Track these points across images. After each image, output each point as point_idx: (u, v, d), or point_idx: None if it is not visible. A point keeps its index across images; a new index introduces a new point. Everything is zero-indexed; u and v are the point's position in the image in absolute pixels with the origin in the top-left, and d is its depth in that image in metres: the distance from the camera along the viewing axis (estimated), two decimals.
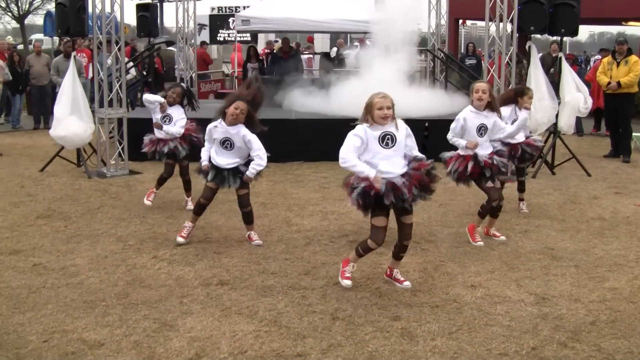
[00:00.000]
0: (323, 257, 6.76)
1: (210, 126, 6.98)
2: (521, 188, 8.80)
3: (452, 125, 7.06)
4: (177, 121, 8.44)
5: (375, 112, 5.46)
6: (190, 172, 8.41)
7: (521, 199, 8.87)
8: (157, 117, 8.42)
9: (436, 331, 5.07)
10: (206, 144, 7.09)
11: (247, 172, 6.89)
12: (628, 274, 6.40)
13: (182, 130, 8.42)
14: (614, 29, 53.08)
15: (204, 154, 7.08)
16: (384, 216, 5.64)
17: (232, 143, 6.88)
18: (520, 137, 8.11)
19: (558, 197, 9.52)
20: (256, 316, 5.29)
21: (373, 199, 5.48)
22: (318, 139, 11.18)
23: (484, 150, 7.05)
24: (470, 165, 6.96)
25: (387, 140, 5.50)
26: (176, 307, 5.45)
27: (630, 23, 27.57)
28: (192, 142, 8.43)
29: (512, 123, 7.63)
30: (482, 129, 6.99)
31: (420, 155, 5.70)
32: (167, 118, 8.46)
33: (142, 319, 5.20)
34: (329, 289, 5.88)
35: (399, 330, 5.08)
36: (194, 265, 6.47)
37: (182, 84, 10.66)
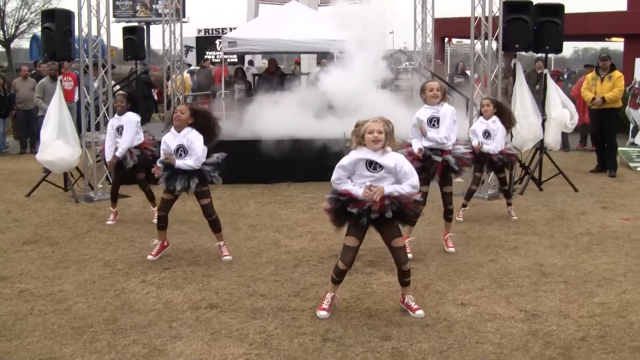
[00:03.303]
0: (312, 278, 6.74)
1: (163, 137, 7.19)
2: (508, 195, 9.33)
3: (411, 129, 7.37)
4: (126, 130, 8.75)
5: (366, 135, 5.46)
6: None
7: (509, 204, 9.32)
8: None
9: (427, 350, 5.05)
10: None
11: (178, 161, 6.99)
12: (617, 289, 6.42)
13: (140, 137, 8.85)
14: (597, 45, 53.73)
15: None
16: (355, 236, 5.61)
17: (185, 149, 7.03)
18: (495, 149, 8.69)
19: (546, 213, 9.55)
20: (246, 339, 5.26)
21: (341, 205, 5.50)
22: (306, 160, 11.18)
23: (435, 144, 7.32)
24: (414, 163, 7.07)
25: (375, 166, 5.49)
26: (165, 331, 5.41)
27: (613, 39, 27.87)
28: (146, 155, 8.59)
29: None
30: (433, 120, 7.30)
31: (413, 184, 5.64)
32: (121, 128, 8.79)
33: (131, 344, 5.16)
34: None
35: (389, 350, 5.06)
36: (182, 288, 6.44)
37: (121, 91, 11.24)
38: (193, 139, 7.04)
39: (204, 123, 7.19)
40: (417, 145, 7.29)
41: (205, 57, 23.61)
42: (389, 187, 5.45)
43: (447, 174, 7.41)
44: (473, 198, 9.39)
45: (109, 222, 9.03)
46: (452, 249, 7.66)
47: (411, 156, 7.11)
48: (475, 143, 8.62)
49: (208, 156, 7.18)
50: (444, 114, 7.27)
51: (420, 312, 5.75)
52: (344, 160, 5.53)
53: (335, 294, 5.86)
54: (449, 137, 7.32)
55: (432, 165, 7.25)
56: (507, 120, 8.89)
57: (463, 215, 9.11)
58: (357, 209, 5.44)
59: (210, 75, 19.64)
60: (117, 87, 14.47)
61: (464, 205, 9.18)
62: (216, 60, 24.33)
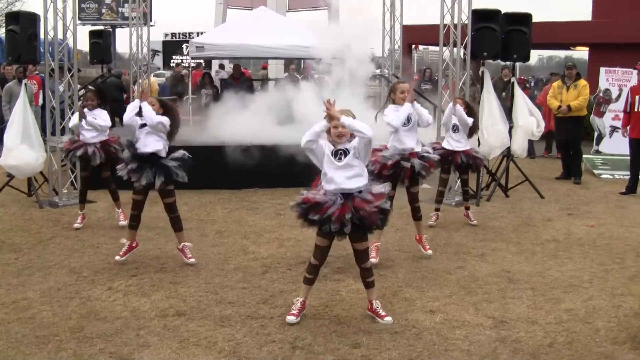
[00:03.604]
0: (281, 285, 6.71)
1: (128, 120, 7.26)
2: (466, 197, 9.38)
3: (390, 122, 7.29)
4: (102, 119, 8.80)
5: (331, 130, 5.50)
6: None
7: (467, 207, 9.39)
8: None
9: (396, 358, 5.05)
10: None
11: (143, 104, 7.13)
12: (583, 295, 6.48)
13: (106, 126, 8.81)
14: (562, 53, 54.42)
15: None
16: (324, 237, 5.64)
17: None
18: (459, 146, 8.86)
19: (513, 220, 9.63)
20: (215, 347, 5.21)
21: (306, 210, 5.50)
22: (273, 166, 11.14)
23: (410, 141, 7.30)
24: (376, 166, 7.20)
25: (340, 154, 5.54)
26: (133, 339, 5.34)
27: (578, 48, 28.25)
28: (110, 153, 8.55)
29: None
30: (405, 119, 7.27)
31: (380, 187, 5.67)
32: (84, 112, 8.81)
33: (97, 354, 5.08)
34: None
35: (359, 357, 5.05)
36: (150, 296, 6.36)
37: (90, 87, 11.36)
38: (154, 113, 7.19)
39: (172, 115, 7.28)
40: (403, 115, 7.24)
41: (177, 61, 23.43)
42: (348, 120, 5.44)
43: (414, 177, 7.42)
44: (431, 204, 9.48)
45: (76, 225, 8.93)
46: (429, 252, 7.66)
47: (379, 165, 7.17)
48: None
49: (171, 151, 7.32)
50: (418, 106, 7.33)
51: (388, 319, 5.74)
52: (317, 127, 5.56)
53: (305, 299, 5.85)
54: (430, 120, 7.44)
55: (402, 171, 7.25)
56: (473, 125, 9.00)
57: (435, 221, 9.14)
58: (318, 215, 5.45)
59: (182, 80, 19.48)
60: (83, 91, 14.31)
61: (437, 210, 9.27)
62: (185, 65, 24.17)
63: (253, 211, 10.06)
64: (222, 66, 24.16)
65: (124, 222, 8.76)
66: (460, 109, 8.77)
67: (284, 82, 17.48)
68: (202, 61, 21.76)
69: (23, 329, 5.56)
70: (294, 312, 5.76)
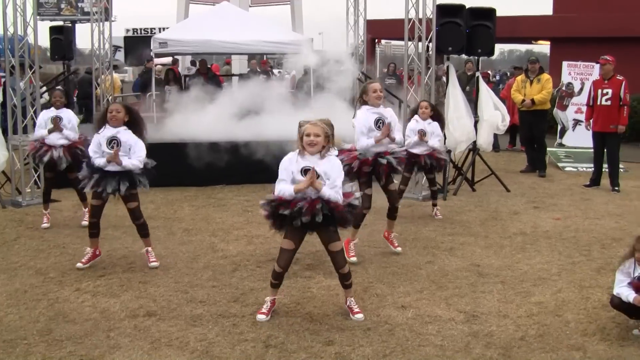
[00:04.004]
0: (251, 282, 6.66)
1: (95, 136, 7.02)
2: (434, 196, 9.59)
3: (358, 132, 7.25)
4: (70, 124, 8.70)
5: (304, 138, 5.45)
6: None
7: (434, 204, 9.60)
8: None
9: (370, 355, 5.05)
10: (92, 154, 6.99)
11: (125, 160, 6.85)
12: (552, 288, 6.55)
13: (76, 136, 8.69)
14: (522, 47, 55.07)
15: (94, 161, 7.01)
16: (291, 239, 5.62)
17: (119, 141, 6.90)
18: (423, 150, 8.96)
19: (480, 214, 9.69)
20: (187, 347, 5.16)
21: (273, 209, 5.50)
22: (240, 162, 11.08)
23: (381, 147, 7.25)
24: (356, 163, 7.16)
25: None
26: (103, 341, 5.25)
27: (540, 42, 28.57)
28: (76, 155, 8.44)
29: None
30: (379, 122, 7.21)
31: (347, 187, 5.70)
32: (59, 120, 8.68)
33: (67, 356, 4.99)
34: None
35: (332, 355, 5.04)
36: (119, 296, 6.27)
37: (58, 87, 11.30)
38: (134, 139, 6.96)
39: (138, 121, 7.14)
40: (370, 141, 7.19)
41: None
42: (326, 190, 5.43)
43: (390, 174, 7.43)
44: (406, 199, 9.61)
45: (44, 225, 8.81)
46: (399, 249, 7.69)
47: (359, 161, 7.17)
48: (411, 139, 8.92)
49: None
50: (392, 116, 7.29)
51: (359, 316, 5.74)
52: (281, 174, 5.55)
53: (275, 297, 5.82)
54: (401, 139, 7.51)
55: (380, 168, 7.25)
56: (440, 124, 9.15)
57: None
58: (288, 210, 5.42)
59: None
60: (44, 88, 14.08)
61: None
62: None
63: (220, 208, 9.98)
64: (193, 63, 23.86)
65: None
66: (431, 142, 8.99)
67: (247, 77, 17.44)
68: (178, 58, 21.51)
69: None
70: (263, 310, 5.74)
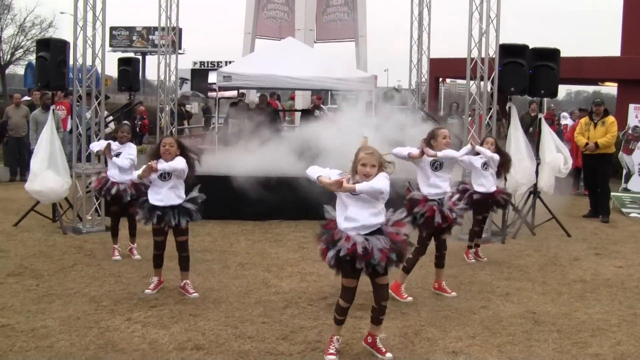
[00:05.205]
0: (301, 320, 6.61)
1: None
2: (479, 235, 9.50)
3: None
4: (126, 155, 8.83)
5: (359, 167, 5.40)
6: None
7: (477, 245, 9.49)
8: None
9: None
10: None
11: (160, 165, 7.03)
12: (610, 339, 6.31)
13: (128, 163, 8.75)
14: (590, 88, 54.14)
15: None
16: (354, 277, 5.55)
17: (169, 173, 7.10)
18: (493, 187, 8.97)
19: (539, 259, 9.47)
20: None
21: (349, 264, 5.37)
22: (297, 197, 11.07)
23: (442, 183, 7.33)
24: (437, 215, 7.17)
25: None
26: None
27: (607, 83, 28.05)
28: (140, 190, 8.58)
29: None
30: (436, 163, 7.31)
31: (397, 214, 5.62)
32: (119, 155, 8.86)
33: None
34: (307, 355, 5.72)
35: None
36: (169, 328, 6.29)
37: (126, 122, 11.45)
38: (177, 160, 7.15)
39: (188, 155, 7.28)
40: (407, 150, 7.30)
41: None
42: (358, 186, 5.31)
43: (450, 224, 7.41)
44: (464, 241, 9.50)
45: (115, 258, 8.88)
46: (453, 294, 7.59)
47: (429, 210, 7.21)
48: (466, 149, 8.93)
49: (189, 191, 7.32)
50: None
51: (389, 355, 5.66)
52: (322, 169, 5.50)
53: (339, 336, 5.74)
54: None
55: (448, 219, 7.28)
56: (505, 164, 8.98)
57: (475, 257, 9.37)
58: (362, 265, 5.36)
59: (246, 109, 19.32)
60: (110, 117, 14.42)
61: (477, 245, 9.41)
62: (212, 94, 24.18)
63: (276, 243, 9.99)
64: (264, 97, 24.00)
65: (137, 256, 8.93)
66: (483, 149, 8.81)
67: (308, 114, 17.50)
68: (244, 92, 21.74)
69: (40, 357, 5.52)
70: (331, 351, 5.64)
